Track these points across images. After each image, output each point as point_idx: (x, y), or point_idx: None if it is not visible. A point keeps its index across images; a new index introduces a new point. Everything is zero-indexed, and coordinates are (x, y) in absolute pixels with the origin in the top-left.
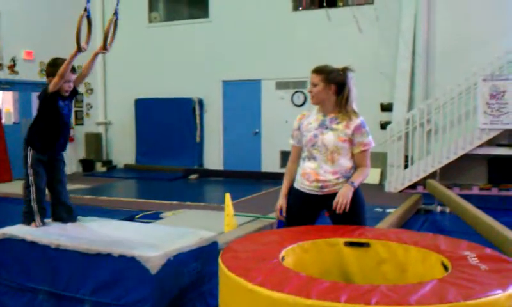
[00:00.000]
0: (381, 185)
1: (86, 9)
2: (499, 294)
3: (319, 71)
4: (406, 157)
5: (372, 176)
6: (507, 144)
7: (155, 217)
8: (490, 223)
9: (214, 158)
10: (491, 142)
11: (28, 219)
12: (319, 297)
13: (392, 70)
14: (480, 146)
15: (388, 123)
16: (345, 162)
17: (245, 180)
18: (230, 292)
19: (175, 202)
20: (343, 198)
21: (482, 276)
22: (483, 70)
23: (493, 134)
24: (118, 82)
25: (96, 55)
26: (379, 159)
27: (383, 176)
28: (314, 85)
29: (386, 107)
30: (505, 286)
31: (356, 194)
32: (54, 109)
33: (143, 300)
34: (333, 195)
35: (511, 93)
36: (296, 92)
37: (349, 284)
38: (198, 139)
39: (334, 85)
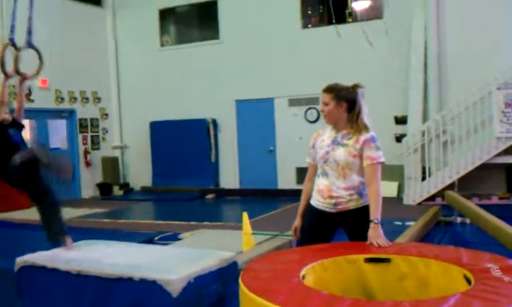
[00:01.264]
0: (399, 198)
1: (10, 40)
2: None
3: (329, 90)
4: (424, 169)
5: (389, 189)
6: None
7: (173, 238)
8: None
9: (229, 177)
10: (508, 151)
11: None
12: None
13: (405, 83)
14: (498, 155)
15: (403, 135)
16: (357, 178)
17: (261, 198)
18: None
19: (192, 222)
20: (376, 241)
21: (506, 288)
22: (496, 78)
23: (510, 143)
24: (133, 106)
25: (21, 83)
26: (397, 172)
27: (400, 189)
28: (325, 104)
29: (401, 120)
30: None
31: (368, 213)
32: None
33: None
34: (347, 212)
35: None
36: (309, 108)
37: (371, 301)
38: (213, 158)
39: (345, 103)
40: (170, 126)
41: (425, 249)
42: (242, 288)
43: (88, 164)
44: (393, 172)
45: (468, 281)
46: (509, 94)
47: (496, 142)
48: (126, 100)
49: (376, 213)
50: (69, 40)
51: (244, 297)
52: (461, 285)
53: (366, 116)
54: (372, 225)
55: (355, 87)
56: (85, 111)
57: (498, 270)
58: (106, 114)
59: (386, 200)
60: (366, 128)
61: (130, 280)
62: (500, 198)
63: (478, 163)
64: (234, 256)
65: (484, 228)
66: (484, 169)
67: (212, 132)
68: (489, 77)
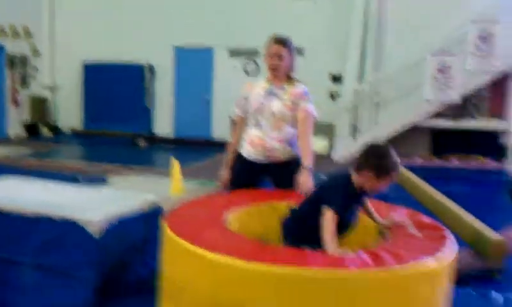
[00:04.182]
0: (329, 155)
1: None
2: (430, 260)
3: (285, 43)
4: (355, 128)
5: (320, 146)
6: (450, 117)
7: (99, 180)
8: (429, 192)
9: (164, 125)
10: (436, 116)
11: None
12: (259, 260)
13: (344, 42)
14: (426, 118)
15: (337, 94)
16: (291, 129)
17: (195, 147)
18: (173, 256)
19: (122, 167)
20: (305, 186)
21: (417, 243)
22: (432, 45)
23: (438, 107)
24: (66, 45)
25: None
26: (328, 130)
27: (331, 146)
28: (279, 57)
29: (337, 78)
30: (435, 252)
31: (298, 163)
32: None
33: (84, 264)
34: (277, 163)
35: (457, 68)
36: (248, 61)
37: (290, 248)
38: (148, 105)
39: (293, 56)
40: (105, 69)
41: None
42: (166, 230)
43: (15, 102)
44: (325, 130)
45: (384, 234)
46: (443, 61)
47: (425, 106)
48: (59, 37)
49: (308, 161)
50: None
51: (168, 240)
52: (377, 238)
53: (296, 69)
54: (303, 170)
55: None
56: (15, 47)
57: (413, 226)
58: (37, 51)
59: (316, 156)
60: (299, 82)
61: (49, 219)
62: (424, 160)
63: (407, 125)
64: (159, 199)
65: (404, 185)
66: (413, 132)
67: (148, 78)
68: (425, 43)
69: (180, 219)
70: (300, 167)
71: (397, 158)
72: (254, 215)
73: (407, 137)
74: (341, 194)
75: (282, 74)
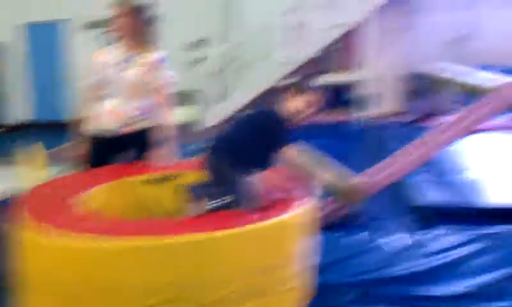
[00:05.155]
0: (198, 122)
1: None
2: (291, 211)
3: (124, 2)
4: (222, 94)
5: (188, 114)
6: (310, 74)
7: None
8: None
9: (19, 109)
10: (294, 74)
11: None
12: (113, 234)
13: (204, 6)
14: (287, 76)
15: (200, 59)
16: (148, 99)
17: (56, 130)
18: (26, 248)
19: None
20: (166, 158)
21: (277, 197)
22: (283, 3)
23: (296, 66)
24: None
25: None
26: (194, 97)
27: (199, 113)
28: (119, 17)
29: (197, 44)
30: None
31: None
32: None
33: None
34: (134, 134)
35: (311, 24)
36: (106, 32)
37: (149, 220)
38: None
39: (140, 19)
40: None
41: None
42: (20, 216)
43: None
44: (191, 97)
45: None
46: (297, 17)
47: (285, 65)
48: None
49: (168, 131)
50: None
51: (18, 231)
52: None
53: (157, 36)
54: (163, 142)
55: (147, 3)
56: None
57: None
58: None
59: (185, 125)
60: (156, 48)
61: None
62: None
63: (270, 85)
64: (10, 189)
65: None
66: (275, 92)
67: None
68: (276, 3)
69: (34, 201)
70: (160, 138)
71: None
72: (114, 191)
73: (266, 98)
74: (285, 128)
75: (132, 39)
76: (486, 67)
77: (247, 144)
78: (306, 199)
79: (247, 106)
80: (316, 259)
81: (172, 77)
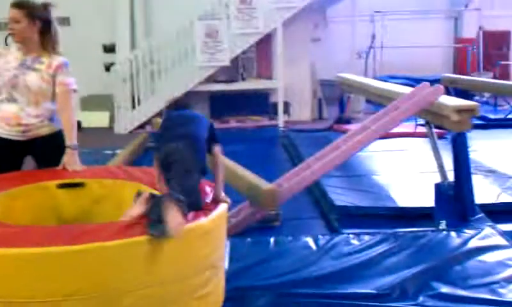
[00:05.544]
0: (110, 128)
1: None
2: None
3: (20, 6)
4: (133, 98)
5: (101, 119)
6: (224, 81)
7: None
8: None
9: None
10: (210, 79)
11: None
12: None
13: (112, 10)
14: (201, 83)
15: (112, 64)
16: (50, 105)
17: None
18: None
19: None
20: (72, 167)
21: None
22: (199, 8)
23: (210, 71)
24: None
25: None
26: (107, 102)
27: (111, 119)
28: (17, 21)
29: (109, 48)
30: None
31: (61, 138)
32: None
33: None
34: (38, 139)
35: (223, 31)
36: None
37: (61, 226)
38: None
39: (39, 22)
40: None
41: (122, 172)
42: None
43: None
44: (103, 102)
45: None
46: (210, 25)
47: (198, 71)
48: None
49: (71, 139)
50: None
51: None
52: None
53: (59, 40)
54: (68, 151)
55: (47, 5)
56: None
57: None
58: None
59: (97, 130)
60: (58, 53)
61: None
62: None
63: (183, 91)
64: None
65: None
66: (191, 97)
67: None
68: (191, 6)
69: None
70: (62, 144)
71: None
72: (20, 198)
73: (188, 103)
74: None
75: (29, 42)
76: (392, 76)
77: (203, 144)
78: (216, 205)
79: (160, 113)
80: (228, 265)
81: (73, 83)
